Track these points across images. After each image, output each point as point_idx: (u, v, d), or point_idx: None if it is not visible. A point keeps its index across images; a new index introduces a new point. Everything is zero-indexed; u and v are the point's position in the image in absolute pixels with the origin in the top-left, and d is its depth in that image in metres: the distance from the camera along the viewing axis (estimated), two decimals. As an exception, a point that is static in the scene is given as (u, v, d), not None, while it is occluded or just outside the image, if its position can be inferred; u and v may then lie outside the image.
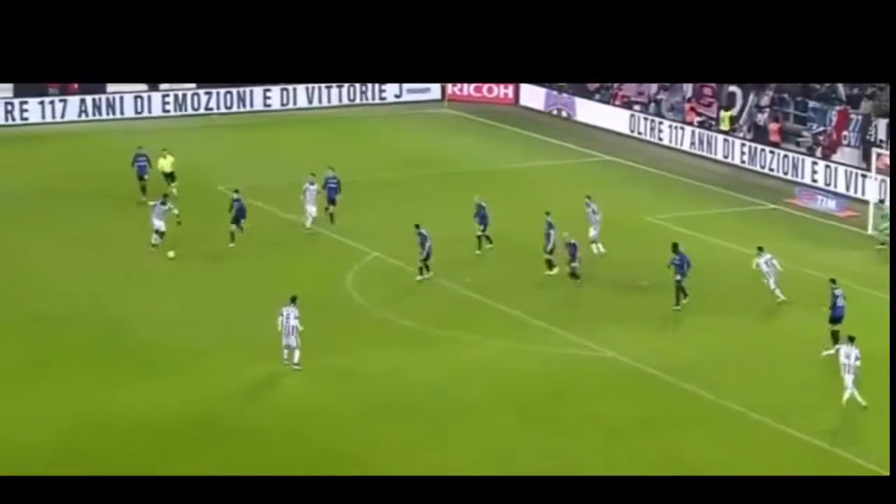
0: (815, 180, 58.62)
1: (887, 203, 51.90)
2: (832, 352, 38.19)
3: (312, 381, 38.46)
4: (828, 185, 57.93)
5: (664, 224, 53.28)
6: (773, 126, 62.20)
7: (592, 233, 48.60)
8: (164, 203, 49.11)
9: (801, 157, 59.98)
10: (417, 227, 45.97)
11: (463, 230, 48.83)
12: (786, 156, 60.39)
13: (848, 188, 57.17)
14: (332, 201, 51.70)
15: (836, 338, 39.50)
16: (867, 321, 40.94)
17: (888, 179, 54.51)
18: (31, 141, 64.32)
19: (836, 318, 40.54)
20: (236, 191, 49.83)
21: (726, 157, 62.81)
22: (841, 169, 58.03)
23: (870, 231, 52.65)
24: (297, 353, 38.59)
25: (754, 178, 60.27)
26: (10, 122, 66.76)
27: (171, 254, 47.08)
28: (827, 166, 58.68)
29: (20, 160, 61.28)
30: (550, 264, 46.18)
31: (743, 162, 61.98)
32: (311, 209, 50.97)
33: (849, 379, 36.39)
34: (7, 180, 57.57)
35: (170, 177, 55.11)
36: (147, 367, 39.08)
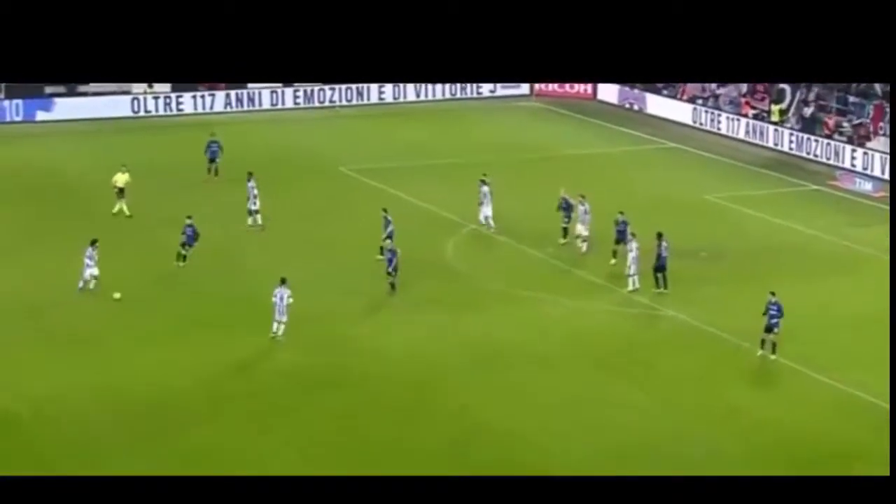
0: (853, 165, 58.16)
1: None
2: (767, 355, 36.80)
3: (417, 334, 38.64)
4: (865, 169, 57.49)
5: (721, 202, 53.09)
6: (829, 121, 61.44)
7: (581, 229, 45.40)
8: (94, 246, 41.21)
9: (842, 144, 59.50)
10: (385, 210, 44.31)
11: (546, 205, 48.34)
12: (828, 143, 59.93)
13: (882, 172, 56.67)
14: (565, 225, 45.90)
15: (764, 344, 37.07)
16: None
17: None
18: (187, 127, 64.29)
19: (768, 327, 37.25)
20: (189, 216, 43.93)
21: (776, 144, 62.40)
22: (877, 155, 57.49)
23: (901, 209, 52.27)
24: (282, 328, 37.54)
25: (801, 163, 59.86)
26: (168, 112, 67.98)
27: (116, 295, 40.02)
28: (864, 153, 58.20)
29: (177, 142, 61.54)
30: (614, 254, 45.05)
31: (791, 149, 61.55)
32: (486, 210, 47.45)
33: None
34: (168, 157, 58.17)
35: (121, 192, 49.08)
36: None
